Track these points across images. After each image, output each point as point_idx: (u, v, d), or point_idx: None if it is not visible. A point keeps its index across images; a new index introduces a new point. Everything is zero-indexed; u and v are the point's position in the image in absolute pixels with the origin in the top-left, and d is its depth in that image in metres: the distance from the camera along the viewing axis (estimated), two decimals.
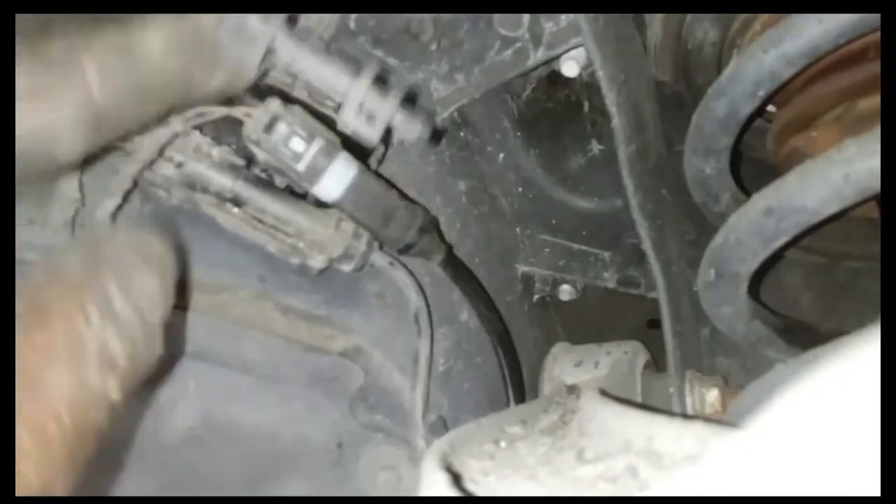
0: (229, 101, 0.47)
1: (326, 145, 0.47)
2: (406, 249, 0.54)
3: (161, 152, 0.49)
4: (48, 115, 0.39)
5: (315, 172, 0.47)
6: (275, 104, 0.46)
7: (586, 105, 0.72)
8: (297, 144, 0.46)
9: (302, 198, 0.54)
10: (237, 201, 0.51)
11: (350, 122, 0.46)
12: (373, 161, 0.57)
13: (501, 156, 0.72)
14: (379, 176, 0.54)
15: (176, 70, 0.43)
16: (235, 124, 0.48)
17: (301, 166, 0.46)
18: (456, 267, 0.60)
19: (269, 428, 0.61)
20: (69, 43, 0.39)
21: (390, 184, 0.55)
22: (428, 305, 0.60)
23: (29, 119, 0.38)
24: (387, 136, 0.55)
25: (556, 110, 0.73)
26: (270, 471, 0.62)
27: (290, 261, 0.54)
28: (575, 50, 0.66)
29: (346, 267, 0.55)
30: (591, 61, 0.65)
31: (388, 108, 0.46)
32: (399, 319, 0.62)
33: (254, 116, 0.46)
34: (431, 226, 0.55)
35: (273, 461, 0.61)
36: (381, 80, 0.48)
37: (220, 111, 0.47)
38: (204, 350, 0.56)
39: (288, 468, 0.62)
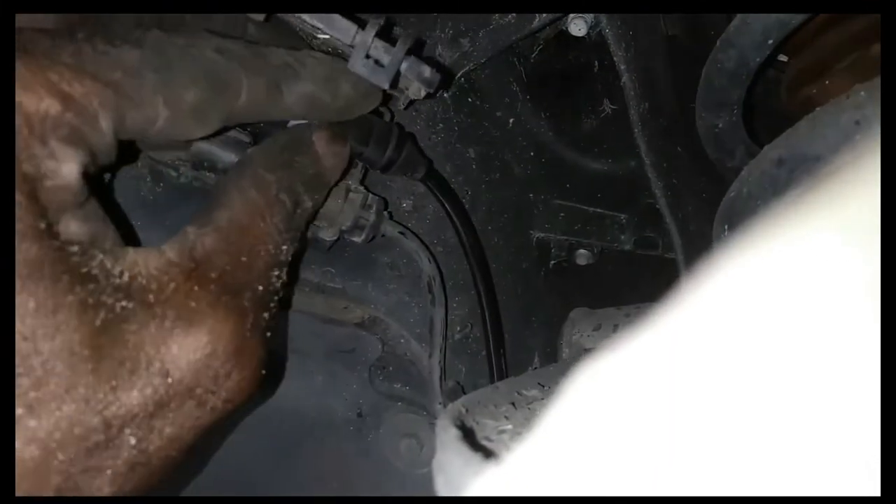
0: None
1: None
2: (389, 166, 0.53)
3: None
4: None
5: None
6: None
7: (596, 65, 0.71)
8: None
9: None
10: None
11: (359, 69, 0.46)
12: None
13: (511, 120, 0.71)
14: None
15: None
16: None
17: None
18: (439, 180, 0.60)
19: (292, 400, 0.62)
20: None
21: None
22: (441, 273, 0.61)
23: None
24: (390, 104, 0.54)
25: (565, 71, 0.72)
26: (295, 442, 0.63)
27: None
28: None
29: (357, 238, 0.55)
30: (599, 20, 0.64)
31: (396, 54, 0.46)
32: (413, 289, 0.62)
33: None
34: (406, 138, 0.54)
35: (297, 433, 0.63)
36: (387, 35, 0.48)
37: None
38: None
39: (312, 439, 0.63)
